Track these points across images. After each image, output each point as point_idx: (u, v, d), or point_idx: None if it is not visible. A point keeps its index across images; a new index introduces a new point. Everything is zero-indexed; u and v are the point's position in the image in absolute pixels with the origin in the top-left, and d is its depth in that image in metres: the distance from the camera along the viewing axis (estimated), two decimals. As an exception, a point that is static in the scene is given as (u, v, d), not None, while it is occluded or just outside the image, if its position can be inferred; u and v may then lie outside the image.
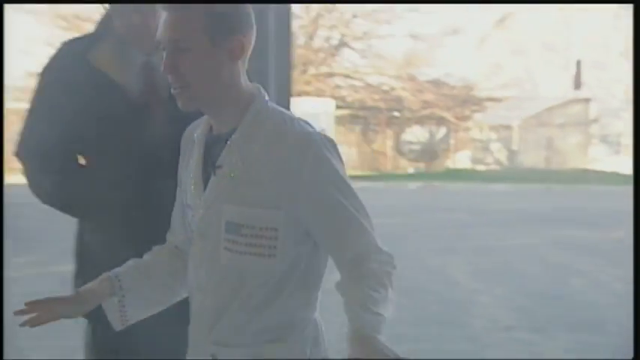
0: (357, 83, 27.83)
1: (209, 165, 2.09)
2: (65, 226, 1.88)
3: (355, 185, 2.06)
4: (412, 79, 28.09)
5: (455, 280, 9.94)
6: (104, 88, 2.36)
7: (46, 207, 2.49)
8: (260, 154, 2.05)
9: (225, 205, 2.03)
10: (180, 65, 2.00)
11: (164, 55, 2.01)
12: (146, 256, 2.22)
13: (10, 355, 6.74)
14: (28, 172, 2.47)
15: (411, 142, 29.38)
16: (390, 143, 28.90)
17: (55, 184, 2.40)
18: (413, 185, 23.64)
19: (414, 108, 28.05)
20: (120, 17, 2.36)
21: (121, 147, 2.36)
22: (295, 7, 24.73)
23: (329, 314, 2.22)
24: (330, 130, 22.22)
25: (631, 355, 1.68)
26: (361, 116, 28.14)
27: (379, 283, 1.93)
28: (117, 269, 2.16)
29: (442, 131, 29.24)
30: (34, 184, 2.47)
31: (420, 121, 28.82)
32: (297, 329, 2.10)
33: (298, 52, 24.86)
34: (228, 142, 2.06)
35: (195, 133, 2.16)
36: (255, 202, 2.03)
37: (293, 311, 2.09)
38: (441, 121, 28.51)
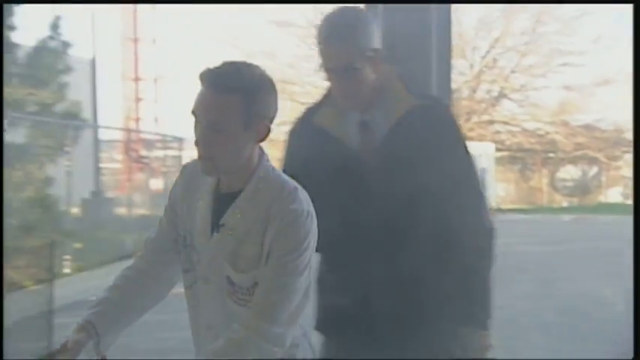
0: (514, 129, 27.37)
1: (215, 220, 2.03)
2: None
3: (513, 217, 2.26)
4: (565, 124, 27.33)
5: (609, 302, 9.66)
6: (326, 143, 2.39)
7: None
8: (258, 220, 1.98)
9: (225, 262, 1.99)
10: (212, 143, 1.94)
11: (199, 128, 1.95)
12: (120, 283, 2.15)
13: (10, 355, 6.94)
14: None
15: (564, 180, 28.50)
16: (545, 181, 28.16)
17: None
18: (567, 217, 22.85)
19: (567, 150, 27.24)
20: (334, 87, 2.39)
21: (341, 192, 2.34)
22: (459, 65, 24.83)
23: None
24: (490, 169, 22.01)
25: (631, 355, 1.61)
26: (519, 157, 27.63)
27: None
28: (94, 311, 2.07)
29: (594, 170, 28.21)
30: None
31: (573, 161, 27.92)
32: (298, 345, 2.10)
33: (462, 104, 24.83)
34: (233, 205, 2.01)
35: (194, 177, 2.11)
36: (247, 265, 1.99)
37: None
38: (592, 160, 27.52)
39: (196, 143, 1.97)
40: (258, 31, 46.04)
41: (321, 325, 2.50)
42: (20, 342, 7.98)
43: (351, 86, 2.34)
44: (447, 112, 2.50)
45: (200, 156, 1.98)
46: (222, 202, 2.04)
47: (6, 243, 10.58)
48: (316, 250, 2.36)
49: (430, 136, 2.32)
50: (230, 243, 1.99)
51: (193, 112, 1.96)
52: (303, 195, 2.01)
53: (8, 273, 10.83)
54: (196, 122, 1.96)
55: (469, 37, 26.55)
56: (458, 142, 2.43)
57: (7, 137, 11.74)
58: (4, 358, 2.59)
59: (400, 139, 2.33)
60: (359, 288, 2.38)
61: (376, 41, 2.35)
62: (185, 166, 2.20)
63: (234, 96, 1.93)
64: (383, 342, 2.37)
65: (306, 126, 2.49)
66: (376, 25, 2.41)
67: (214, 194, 2.05)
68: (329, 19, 2.38)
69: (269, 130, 2.03)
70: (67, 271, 11.29)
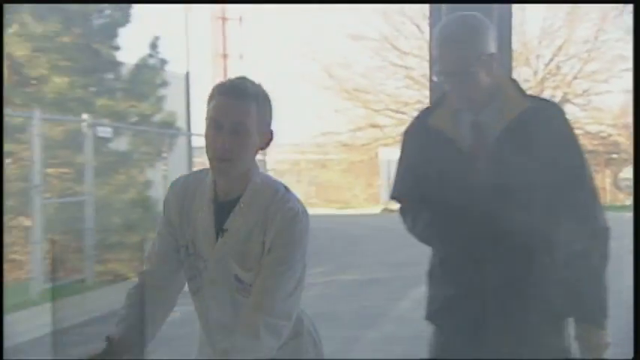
0: (578, 132, 26.30)
1: (218, 226, 2.07)
2: (343, 246, 2.01)
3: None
4: (627, 126, 26.59)
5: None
6: (440, 143, 2.37)
7: (324, 228, 2.55)
8: (258, 222, 2.04)
9: (232, 262, 2.04)
10: (233, 144, 1.99)
11: (220, 133, 2.00)
12: (133, 301, 2.16)
13: (10, 354, 7.06)
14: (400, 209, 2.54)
15: (627, 179, 27.73)
16: (608, 180, 27.41)
17: (415, 218, 2.44)
18: (628, 215, 22.32)
19: (630, 151, 26.54)
20: (450, 89, 2.37)
21: (452, 190, 2.32)
22: (523, 72, 24.48)
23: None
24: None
25: (631, 355, 1.56)
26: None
27: (253, 335, 1.94)
28: (116, 332, 2.13)
29: (656, 169, 27.41)
30: (403, 217, 2.51)
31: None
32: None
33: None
34: (234, 211, 2.06)
35: (188, 191, 2.14)
36: (253, 263, 2.03)
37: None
38: (655, 160, 26.77)
39: (213, 147, 2.02)
40: (335, 45, 46.16)
41: (432, 315, 2.47)
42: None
43: (466, 89, 2.31)
44: (559, 115, 2.40)
45: (219, 158, 2.01)
46: (222, 209, 2.08)
47: (112, 239, 10.93)
48: (428, 244, 2.48)
49: (542, 138, 2.28)
50: (235, 245, 2.05)
51: (214, 119, 2.02)
52: (294, 195, 2.11)
53: (114, 266, 11.19)
54: (215, 128, 2.02)
55: (532, 46, 26.11)
56: (570, 144, 2.35)
57: (113, 145, 12.09)
58: (4, 358, 2.57)
59: (512, 140, 2.28)
60: (469, 282, 2.34)
61: (491, 46, 2.31)
62: (174, 183, 2.24)
63: (252, 102, 2.02)
64: (493, 336, 2.31)
65: (420, 127, 2.46)
66: (492, 30, 2.36)
67: (214, 203, 2.09)
68: (446, 25, 2.35)
69: (272, 138, 2.11)
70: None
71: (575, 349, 2.34)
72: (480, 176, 2.30)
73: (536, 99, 2.45)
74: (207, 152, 2.05)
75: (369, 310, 9.04)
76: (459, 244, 2.35)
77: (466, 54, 2.27)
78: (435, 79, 2.42)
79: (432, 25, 2.90)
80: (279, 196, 2.08)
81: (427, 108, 2.55)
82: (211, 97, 2.05)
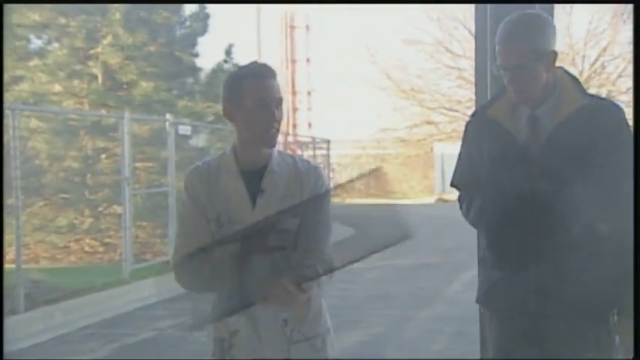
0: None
1: (250, 192, 2.08)
2: None
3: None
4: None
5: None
6: (497, 132, 2.30)
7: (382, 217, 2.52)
8: (292, 179, 2.10)
9: (273, 216, 2.01)
10: (279, 117, 2.07)
11: (268, 110, 2.05)
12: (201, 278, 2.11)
13: (10, 355, 7.05)
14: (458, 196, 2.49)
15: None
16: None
17: (469, 205, 2.39)
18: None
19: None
20: (509, 83, 2.25)
21: (507, 180, 2.26)
22: (570, 71, 23.84)
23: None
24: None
25: (631, 355, 1.46)
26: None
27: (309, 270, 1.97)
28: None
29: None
30: (460, 203, 2.47)
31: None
32: None
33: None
34: (266, 173, 2.10)
35: (211, 171, 2.15)
36: (293, 212, 2.04)
37: None
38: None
39: (261, 121, 2.05)
40: (392, 49, 45.89)
41: (480, 298, 2.42)
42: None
43: (523, 83, 2.21)
44: (617, 116, 2.23)
45: (269, 129, 2.06)
46: (250, 177, 2.11)
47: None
48: (479, 229, 2.44)
49: (596, 136, 2.16)
50: (275, 201, 2.06)
51: (259, 98, 2.04)
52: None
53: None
54: (261, 105, 2.05)
55: (579, 48, 25.53)
56: (624, 144, 2.18)
57: (192, 141, 12.25)
58: (4, 358, 2.45)
59: (565, 135, 2.18)
60: (515, 268, 2.27)
61: (550, 43, 2.22)
62: (194, 169, 2.22)
63: (277, 81, 2.12)
64: (536, 321, 2.24)
65: (481, 118, 2.40)
66: (552, 28, 2.26)
67: (241, 174, 2.11)
68: (508, 22, 2.25)
69: None
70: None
71: (620, 343, 2.19)
72: (532, 168, 2.21)
73: (596, 98, 2.32)
74: (250, 129, 2.08)
75: (421, 291, 9.00)
76: (505, 231, 2.28)
77: (524, 49, 2.17)
78: (495, 72, 2.32)
79: (477, 24, 2.81)
80: (298, 159, 2.20)
81: (488, 101, 2.48)
82: (242, 80, 2.08)
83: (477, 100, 2.84)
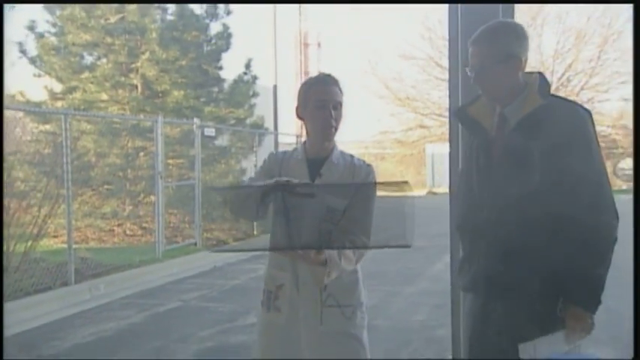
0: (583, 131, 25.95)
1: (311, 175, 2.15)
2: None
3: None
4: (624, 127, 25.61)
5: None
6: (475, 129, 2.24)
7: (380, 207, 2.44)
8: (346, 170, 2.16)
9: (329, 196, 2.08)
10: (337, 117, 2.15)
11: (326, 110, 2.11)
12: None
13: (140, 298, 7.10)
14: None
15: (624, 169, 26.64)
16: (609, 170, 26.49)
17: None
18: (625, 197, 21.47)
19: (625, 146, 25.55)
20: (475, 82, 2.17)
21: (475, 169, 2.19)
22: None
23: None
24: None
25: (631, 354, 1.38)
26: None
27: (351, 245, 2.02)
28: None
29: (647, 161, 26.30)
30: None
31: (631, 155, 26.15)
32: None
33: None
34: (327, 162, 2.17)
35: (285, 155, 2.22)
36: (343, 195, 2.09)
37: None
38: (646, 154, 25.71)
39: (321, 120, 2.12)
40: (391, 63, 45.68)
41: (452, 275, 2.43)
42: (226, 279, 8.42)
43: (487, 83, 2.12)
44: (569, 114, 2.07)
45: (327, 127, 2.13)
46: (313, 164, 2.18)
47: (215, 214, 11.13)
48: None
49: (548, 131, 2.02)
50: (332, 186, 2.13)
51: (320, 100, 2.12)
52: None
53: (217, 234, 11.38)
54: (321, 107, 2.12)
55: (548, 64, 25.39)
56: (577, 140, 2.03)
57: (216, 142, 12.26)
58: (4, 358, 2.34)
59: (524, 130, 2.05)
60: (473, 248, 2.18)
61: (516, 50, 2.08)
62: (273, 152, 2.32)
63: (339, 88, 2.18)
64: (489, 297, 2.15)
65: (462, 116, 2.29)
66: (521, 37, 2.12)
67: (307, 161, 2.19)
68: (482, 28, 2.14)
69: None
70: (255, 232, 11.73)
71: (567, 327, 2.03)
72: (496, 159, 2.12)
73: (556, 99, 2.15)
74: (313, 125, 2.16)
75: (409, 270, 8.97)
76: (467, 216, 2.22)
77: (489, 53, 2.08)
78: (468, 73, 2.19)
79: (450, 24, 2.67)
80: (355, 157, 2.25)
81: (470, 100, 2.35)
82: (310, 87, 2.17)
83: (450, 98, 2.68)
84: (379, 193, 2.15)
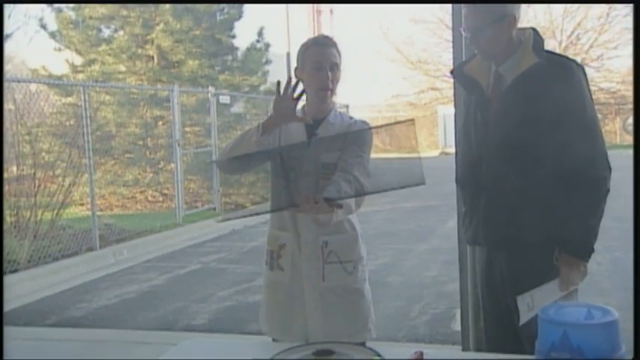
0: (593, 88, 25.14)
1: (308, 135, 2.10)
2: None
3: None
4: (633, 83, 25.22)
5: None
6: (472, 87, 2.21)
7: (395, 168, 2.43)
8: (339, 129, 2.09)
9: (321, 152, 2.04)
10: (334, 78, 2.08)
11: (323, 71, 2.05)
12: None
13: (160, 261, 7.13)
14: None
15: (632, 124, 26.36)
16: (618, 125, 26.06)
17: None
18: (632, 152, 21.16)
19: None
20: (471, 42, 2.13)
21: (473, 126, 2.15)
22: (550, 43, 23.52)
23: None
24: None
25: (631, 355, 1.35)
26: (598, 109, 25.37)
27: (345, 181, 1.91)
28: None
29: (657, 116, 25.85)
30: None
31: (641, 110, 25.76)
32: None
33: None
34: (324, 122, 2.11)
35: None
36: (336, 149, 2.04)
37: None
38: (655, 109, 25.27)
39: (317, 81, 2.06)
40: (402, 27, 45.02)
41: (459, 230, 2.36)
42: (239, 242, 8.47)
43: (483, 42, 2.08)
44: (565, 71, 2.02)
45: (323, 88, 2.07)
46: (310, 125, 2.12)
47: (232, 179, 11.14)
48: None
49: (543, 89, 1.98)
50: (325, 142, 2.07)
51: (317, 62, 2.06)
52: None
53: (235, 198, 11.42)
54: (318, 68, 2.06)
55: (557, 23, 24.84)
56: (571, 96, 1.99)
57: (231, 109, 12.21)
58: (4, 358, 2.37)
59: (519, 88, 2.02)
60: (472, 201, 2.16)
61: (508, 8, 2.05)
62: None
63: (337, 49, 2.12)
64: (491, 249, 2.15)
65: (459, 75, 2.26)
66: None
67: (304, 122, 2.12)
68: None
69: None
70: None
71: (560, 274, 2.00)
72: (493, 116, 2.08)
73: (551, 56, 2.08)
74: (309, 86, 2.08)
75: (421, 229, 8.97)
76: (466, 171, 2.19)
77: (482, 13, 2.04)
78: (463, 33, 2.16)
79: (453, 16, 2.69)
80: (354, 118, 2.21)
81: (465, 59, 2.33)
82: (307, 48, 2.11)
83: (454, 60, 2.66)
84: (390, 155, 2.08)
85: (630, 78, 23.54)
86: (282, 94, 2.00)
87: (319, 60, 2.07)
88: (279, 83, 2.04)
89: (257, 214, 2.16)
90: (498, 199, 2.05)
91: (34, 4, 11.72)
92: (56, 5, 11.89)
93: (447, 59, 26.79)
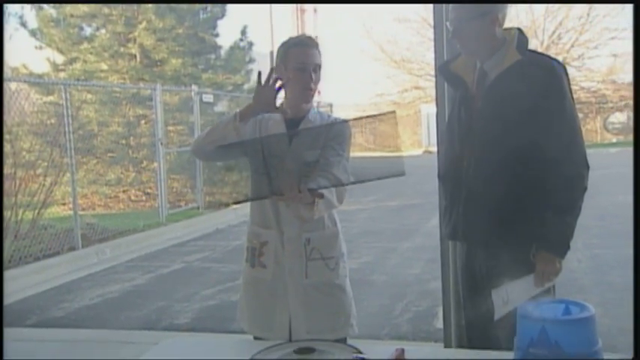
0: (574, 87, 25.17)
1: (290, 130, 2.10)
2: (391, 180, 1.95)
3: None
4: (613, 82, 25.45)
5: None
6: (457, 84, 2.21)
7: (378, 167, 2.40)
8: (320, 129, 2.08)
9: (304, 152, 2.04)
10: (316, 80, 2.09)
11: (306, 72, 2.05)
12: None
13: (144, 261, 7.13)
14: None
15: (613, 123, 26.61)
16: (599, 124, 26.39)
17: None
18: (613, 150, 21.42)
19: (615, 101, 25.40)
20: (453, 36, 2.13)
21: (457, 123, 2.17)
22: (532, 43, 23.54)
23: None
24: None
25: (631, 355, 1.41)
26: (578, 108, 25.79)
27: (325, 179, 1.91)
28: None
29: (636, 115, 26.19)
30: None
31: (620, 109, 26.01)
32: None
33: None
34: (304, 121, 2.11)
35: (264, 116, 2.12)
36: (316, 148, 2.03)
37: None
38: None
39: (301, 82, 2.06)
40: (385, 26, 45.14)
41: (449, 234, 2.29)
42: (225, 240, 8.42)
43: (463, 37, 2.09)
44: (545, 70, 2.03)
45: (307, 88, 2.08)
46: (291, 124, 2.12)
47: (216, 178, 11.11)
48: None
49: (525, 86, 1.99)
50: (307, 140, 2.06)
51: (300, 62, 2.05)
52: None
53: (219, 197, 11.37)
54: (301, 69, 2.05)
55: (539, 22, 25.08)
56: (552, 94, 1.99)
57: (214, 108, 12.16)
58: (4, 358, 2.39)
59: (502, 85, 2.03)
60: (452, 195, 2.17)
61: (492, 7, 2.07)
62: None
63: (318, 50, 2.11)
64: (470, 246, 2.17)
65: (445, 72, 2.27)
66: None
67: (284, 121, 2.13)
68: None
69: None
70: (256, 195, 11.67)
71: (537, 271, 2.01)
72: (476, 113, 2.10)
73: (534, 54, 2.10)
74: (291, 85, 2.07)
75: (404, 227, 8.98)
76: (447, 168, 2.21)
77: (466, 8, 2.06)
78: (447, 27, 2.16)
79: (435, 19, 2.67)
80: (333, 116, 2.24)
81: (451, 57, 2.33)
82: (289, 48, 2.09)
83: (435, 60, 2.66)
84: (372, 153, 2.08)
85: (611, 77, 23.83)
86: (263, 84, 1.99)
87: (304, 61, 2.07)
88: (260, 74, 2.03)
89: (239, 202, 2.15)
90: (478, 194, 2.07)
91: (33, 4, 11.58)
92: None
93: (431, 58, 26.52)
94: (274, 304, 2.11)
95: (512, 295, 1.94)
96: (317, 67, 2.09)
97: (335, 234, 2.17)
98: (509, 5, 2.17)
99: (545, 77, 2.01)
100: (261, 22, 17.80)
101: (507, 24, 2.18)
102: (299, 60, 2.06)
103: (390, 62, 27.20)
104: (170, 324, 4.79)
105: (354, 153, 2.19)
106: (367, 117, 2.05)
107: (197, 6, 12.26)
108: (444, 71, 2.28)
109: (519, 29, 2.14)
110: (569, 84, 2.07)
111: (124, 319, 4.99)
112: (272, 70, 2.03)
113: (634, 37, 1.97)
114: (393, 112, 1.94)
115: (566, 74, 2.07)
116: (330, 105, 19.01)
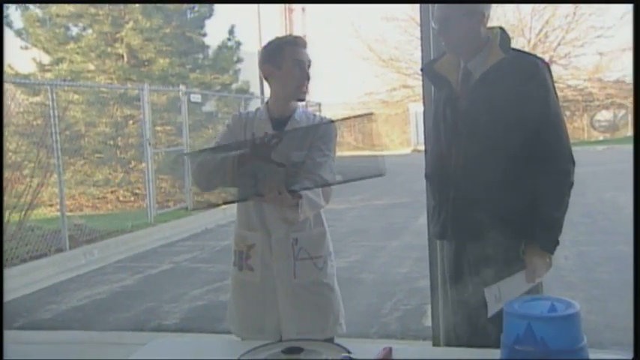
0: (561, 85, 25.78)
1: (276, 130, 2.09)
2: (379, 179, 1.89)
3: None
4: (599, 80, 25.65)
5: (622, 206, 9.03)
6: (441, 84, 2.23)
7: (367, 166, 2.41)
8: (306, 129, 2.09)
9: (290, 151, 2.01)
10: (309, 79, 2.11)
11: (303, 70, 2.08)
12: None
13: (133, 261, 7.11)
14: None
15: (600, 121, 26.90)
16: (585, 122, 26.61)
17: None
18: (600, 148, 21.59)
19: (601, 99, 25.60)
20: (439, 34, 2.14)
21: (443, 122, 2.17)
22: (520, 41, 23.83)
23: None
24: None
25: (631, 355, 1.40)
26: (565, 106, 26.22)
27: (310, 180, 1.93)
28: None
29: (621, 112, 26.39)
30: None
31: (606, 107, 26.27)
32: None
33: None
34: (291, 120, 2.12)
35: (249, 116, 2.16)
36: (303, 148, 2.04)
37: None
38: (620, 106, 25.76)
39: (300, 79, 2.09)
40: (373, 25, 45.26)
41: (438, 233, 2.29)
42: (220, 240, 8.38)
43: (449, 36, 2.10)
44: (529, 68, 2.04)
45: (304, 85, 2.10)
46: (277, 123, 2.13)
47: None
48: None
49: (510, 84, 2.00)
50: (294, 141, 2.05)
51: (299, 61, 2.09)
52: None
53: (208, 197, 11.28)
54: (300, 67, 2.08)
55: (526, 21, 25.22)
56: (536, 91, 2.00)
57: (202, 107, 12.12)
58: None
59: (486, 84, 2.04)
60: (441, 194, 2.17)
61: (477, 7, 2.07)
62: (237, 113, 2.25)
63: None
64: (459, 244, 2.16)
65: (429, 72, 2.28)
66: None
67: (271, 120, 2.13)
68: None
69: None
70: (245, 195, 11.66)
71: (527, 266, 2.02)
72: (461, 112, 2.10)
73: (518, 53, 2.11)
74: (287, 84, 2.09)
75: (393, 225, 8.98)
76: (434, 166, 2.21)
77: (451, 7, 2.07)
78: (433, 25, 2.17)
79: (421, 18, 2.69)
80: (319, 115, 2.26)
81: (435, 57, 2.34)
82: (284, 46, 2.10)
83: (422, 59, 2.67)
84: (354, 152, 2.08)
85: (597, 75, 24.00)
86: (259, 142, 1.96)
87: (300, 59, 2.09)
88: (253, 135, 2.06)
89: (226, 202, 2.14)
90: (466, 193, 2.07)
91: (33, 3, 11.51)
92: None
93: (418, 57, 26.10)
94: (264, 306, 2.11)
95: (504, 292, 1.95)
96: (309, 66, 2.13)
97: (322, 233, 2.17)
98: (495, 4, 2.18)
99: (528, 75, 2.02)
100: (249, 22, 17.79)
101: (494, 22, 2.19)
102: (297, 57, 2.09)
103: (379, 61, 27.28)
104: (159, 325, 4.76)
105: (343, 152, 2.19)
106: (344, 119, 2.07)
107: (184, 6, 12.21)
108: (428, 72, 2.29)
109: (501, 28, 2.15)
110: (553, 81, 2.09)
111: (112, 320, 4.96)
112: (266, 134, 2.01)
113: (634, 37, 1.99)
114: (371, 113, 1.97)
115: (550, 71, 2.09)
116: (319, 104, 19.02)
